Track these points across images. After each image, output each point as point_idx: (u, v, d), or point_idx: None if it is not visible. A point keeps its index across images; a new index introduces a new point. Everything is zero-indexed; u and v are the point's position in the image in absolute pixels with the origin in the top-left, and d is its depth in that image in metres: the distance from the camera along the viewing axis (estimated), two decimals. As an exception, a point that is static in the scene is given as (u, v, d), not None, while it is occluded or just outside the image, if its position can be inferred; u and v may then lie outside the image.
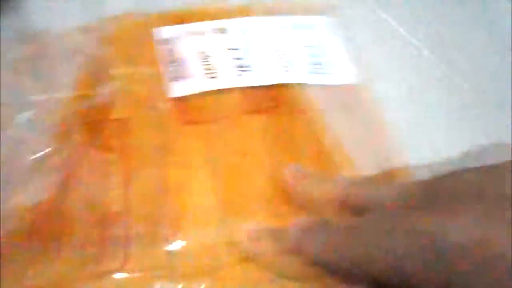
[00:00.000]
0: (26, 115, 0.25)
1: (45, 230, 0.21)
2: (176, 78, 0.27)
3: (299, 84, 0.28)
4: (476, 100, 0.29)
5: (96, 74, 0.27)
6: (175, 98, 0.26)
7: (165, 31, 0.30)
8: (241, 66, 0.28)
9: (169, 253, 0.21)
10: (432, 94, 0.29)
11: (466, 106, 0.29)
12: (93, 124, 0.25)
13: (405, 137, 0.26)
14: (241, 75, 0.28)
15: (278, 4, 0.32)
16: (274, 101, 0.27)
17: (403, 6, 0.34)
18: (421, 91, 0.29)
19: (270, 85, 0.27)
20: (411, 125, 0.27)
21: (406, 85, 0.29)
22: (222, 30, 0.30)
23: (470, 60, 0.30)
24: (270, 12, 0.31)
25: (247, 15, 0.31)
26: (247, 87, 0.27)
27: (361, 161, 0.25)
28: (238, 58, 0.29)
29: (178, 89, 0.27)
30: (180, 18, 0.31)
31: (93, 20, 0.30)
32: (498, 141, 0.25)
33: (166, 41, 0.29)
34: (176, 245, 0.21)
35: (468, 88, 0.29)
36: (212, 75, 0.27)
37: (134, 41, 0.29)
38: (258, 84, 0.27)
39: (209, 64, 0.28)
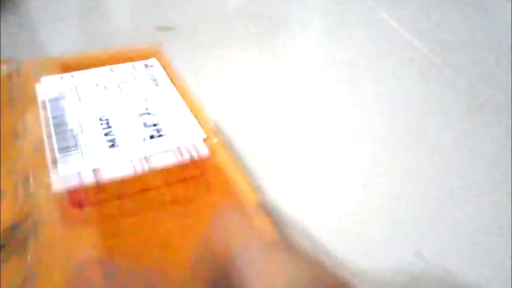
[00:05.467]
0: None
1: None
2: (66, 149, 0.21)
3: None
4: (476, 100, 0.29)
5: None
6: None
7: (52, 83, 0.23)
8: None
9: None
10: (431, 94, 0.29)
11: (466, 106, 0.29)
12: None
13: (404, 138, 0.26)
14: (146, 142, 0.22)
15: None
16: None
17: (403, 6, 0.34)
18: (419, 92, 0.29)
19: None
20: (409, 126, 0.27)
21: (404, 85, 0.29)
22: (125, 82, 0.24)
23: (470, 60, 0.30)
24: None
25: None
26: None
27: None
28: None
29: (66, 170, 0.20)
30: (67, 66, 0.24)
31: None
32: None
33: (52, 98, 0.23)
34: None
35: (468, 88, 0.28)
36: (114, 144, 0.22)
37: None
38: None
39: (111, 130, 0.22)
